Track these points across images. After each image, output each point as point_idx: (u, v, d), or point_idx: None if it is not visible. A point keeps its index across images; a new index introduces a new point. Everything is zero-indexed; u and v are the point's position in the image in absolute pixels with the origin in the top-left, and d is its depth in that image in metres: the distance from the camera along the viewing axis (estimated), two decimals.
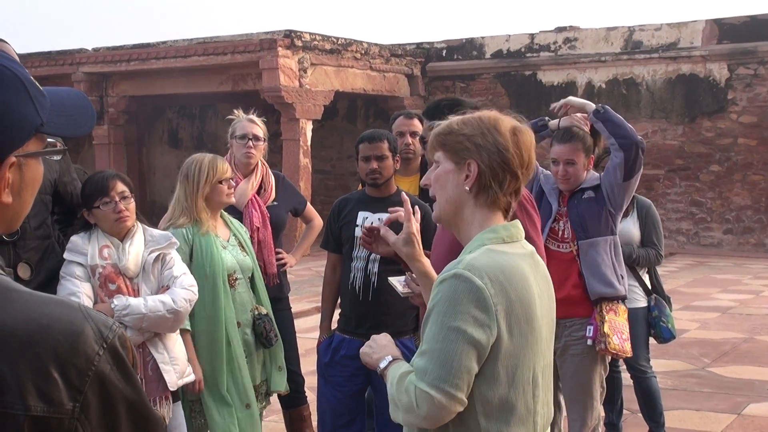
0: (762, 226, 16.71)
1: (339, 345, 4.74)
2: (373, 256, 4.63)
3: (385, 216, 4.63)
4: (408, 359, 2.34)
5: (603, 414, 4.64)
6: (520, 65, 18.52)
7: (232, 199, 4.64)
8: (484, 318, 2.13)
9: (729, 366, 8.04)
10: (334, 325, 4.90)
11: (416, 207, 2.82)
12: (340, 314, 4.85)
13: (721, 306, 11.15)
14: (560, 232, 4.72)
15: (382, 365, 2.36)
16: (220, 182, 4.54)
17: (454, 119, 2.40)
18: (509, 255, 2.25)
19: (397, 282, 3.18)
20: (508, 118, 2.39)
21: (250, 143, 5.16)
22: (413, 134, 5.52)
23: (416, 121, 5.60)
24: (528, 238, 3.43)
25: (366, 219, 4.71)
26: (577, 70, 17.95)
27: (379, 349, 2.43)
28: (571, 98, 4.92)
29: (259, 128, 5.21)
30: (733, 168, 16.81)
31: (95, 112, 1.67)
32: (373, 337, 2.51)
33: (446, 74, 19.25)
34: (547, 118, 5.00)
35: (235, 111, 5.32)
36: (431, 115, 3.83)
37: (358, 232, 4.67)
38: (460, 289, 2.14)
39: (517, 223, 2.38)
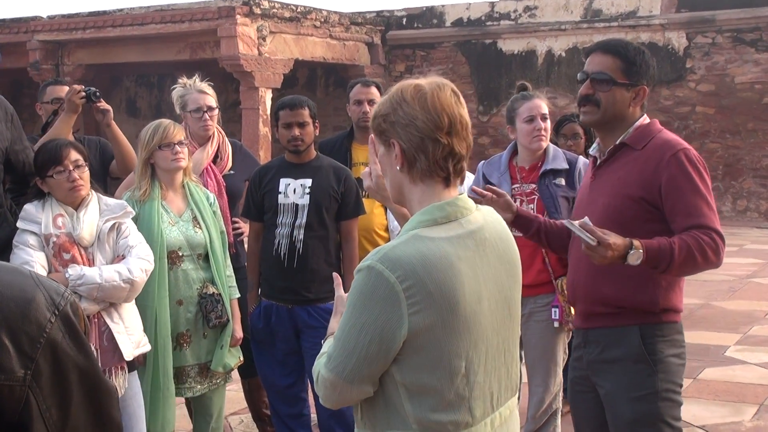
0: (719, 194, 16.89)
1: (268, 311, 4.79)
2: (298, 222, 4.68)
3: (306, 181, 4.67)
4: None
5: (562, 380, 4.67)
6: (480, 34, 18.49)
7: (181, 164, 4.51)
8: (393, 313, 2.10)
9: (685, 331, 8.02)
10: None
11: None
12: (262, 280, 4.87)
13: None
14: None
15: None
16: (161, 147, 4.45)
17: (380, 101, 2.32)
18: (435, 241, 2.15)
19: (578, 228, 3.09)
20: (425, 80, 2.25)
21: (206, 115, 5.07)
22: (371, 102, 5.49)
23: (374, 89, 5.56)
24: (693, 207, 3.33)
25: (288, 186, 4.73)
26: (537, 39, 17.96)
27: (330, 327, 2.44)
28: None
29: (211, 97, 5.13)
30: (691, 136, 16.95)
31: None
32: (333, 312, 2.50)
33: (406, 43, 19.18)
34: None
35: (180, 80, 5.24)
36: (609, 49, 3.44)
37: (281, 199, 4.73)
38: (370, 283, 2.11)
39: (461, 199, 2.25)
